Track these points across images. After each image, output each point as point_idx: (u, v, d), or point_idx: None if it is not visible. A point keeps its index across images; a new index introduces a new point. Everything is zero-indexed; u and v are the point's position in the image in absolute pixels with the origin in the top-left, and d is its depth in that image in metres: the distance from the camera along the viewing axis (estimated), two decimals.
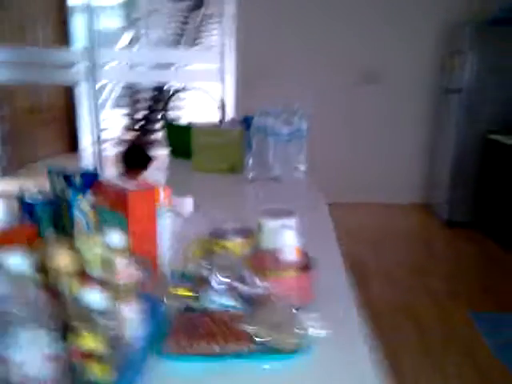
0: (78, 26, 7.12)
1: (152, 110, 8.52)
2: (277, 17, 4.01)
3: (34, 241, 0.74)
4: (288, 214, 0.91)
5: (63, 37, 6.66)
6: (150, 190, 0.82)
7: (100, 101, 8.06)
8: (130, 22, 8.47)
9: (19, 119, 5.72)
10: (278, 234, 0.83)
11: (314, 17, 3.97)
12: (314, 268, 0.81)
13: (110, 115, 7.26)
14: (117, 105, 7.90)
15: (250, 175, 1.82)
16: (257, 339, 0.68)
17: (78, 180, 0.82)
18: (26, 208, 0.84)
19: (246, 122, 2.27)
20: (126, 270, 0.65)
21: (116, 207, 0.80)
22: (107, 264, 0.66)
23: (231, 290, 0.78)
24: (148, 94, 8.75)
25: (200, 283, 0.82)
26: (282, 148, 1.96)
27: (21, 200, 0.84)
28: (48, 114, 6.38)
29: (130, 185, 0.82)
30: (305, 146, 1.98)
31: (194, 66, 5.39)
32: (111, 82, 5.46)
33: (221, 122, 2.24)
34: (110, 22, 8.90)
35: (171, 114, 8.74)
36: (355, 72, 4.01)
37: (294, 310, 0.71)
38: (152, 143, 7.35)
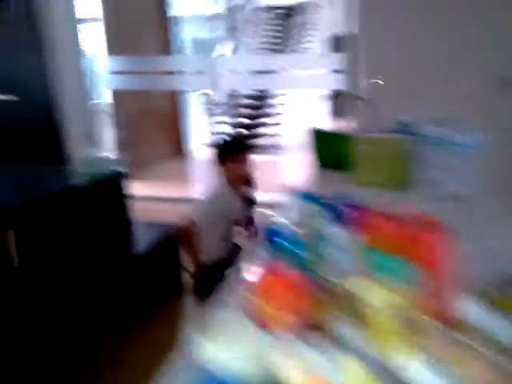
0: (180, 35, 7.32)
1: (254, 115, 8.54)
2: (401, 20, 3.71)
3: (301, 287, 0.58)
4: None
5: (166, 45, 6.85)
6: (440, 228, 0.63)
7: (205, 107, 8.23)
8: (227, 31, 8.57)
9: (132, 124, 5.94)
10: None
11: (445, 19, 3.62)
12: None
13: (214, 121, 7.35)
14: (220, 111, 7.98)
15: (426, 192, 1.59)
16: None
17: (336, 208, 0.66)
18: (271, 237, 0.69)
19: (402, 129, 2.05)
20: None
21: (395, 249, 0.62)
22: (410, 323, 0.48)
23: None
24: (248, 100, 8.80)
25: None
26: (457, 162, 1.71)
27: (267, 229, 0.69)
28: (158, 119, 6.58)
29: (407, 218, 0.64)
30: (481, 161, 1.72)
31: (297, 72, 5.24)
32: (221, 90, 5.43)
33: (374, 130, 2.02)
34: (207, 31, 9.09)
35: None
36: (491, 78, 3.60)
37: None
38: (255, 147, 7.31)
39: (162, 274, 2.67)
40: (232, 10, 9.10)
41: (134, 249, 2.47)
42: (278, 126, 8.46)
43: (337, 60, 4.06)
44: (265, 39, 9.99)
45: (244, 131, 8.07)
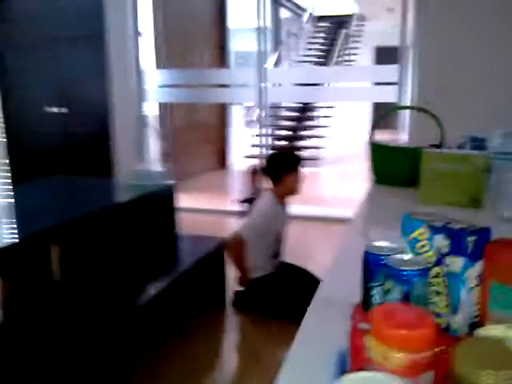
0: (232, 49, 7.37)
1: (297, 127, 8.47)
2: (456, 34, 3.54)
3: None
4: None
5: (220, 59, 6.88)
6: None
7: (248, 119, 8.21)
8: (273, 45, 8.57)
9: (177, 137, 5.97)
10: None
11: (500, 33, 3.42)
12: None
13: (257, 133, 7.31)
14: (263, 123, 7.91)
15: (508, 212, 1.45)
16: None
17: (471, 241, 0.55)
18: (374, 267, 0.59)
19: (475, 144, 1.92)
20: None
21: None
22: None
23: None
24: (290, 113, 8.74)
25: None
26: None
27: (371, 255, 0.60)
28: (204, 131, 6.60)
29: None
30: None
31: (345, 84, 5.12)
32: (268, 102, 5.39)
33: (440, 144, 1.89)
34: (252, 44, 9.12)
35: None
36: None
37: None
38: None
39: (205, 287, 2.61)
40: (278, 24, 9.11)
41: (180, 262, 2.42)
42: (320, 138, 8.35)
43: (390, 72, 3.94)
44: (310, 52, 9.94)
45: (286, 143, 8.00)
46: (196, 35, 6.37)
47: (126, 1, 4.22)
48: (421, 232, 0.60)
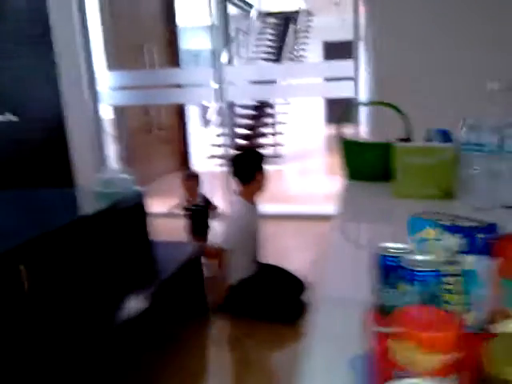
0: (184, 47, 7.27)
1: (254, 125, 8.47)
2: (412, 24, 3.63)
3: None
4: None
5: (173, 58, 6.78)
6: None
7: (204, 119, 8.13)
8: (222, 42, 8.54)
9: (135, 139, 5.84)
10: None
11: (456, 21, 3.55)
12: None
13: (215, 133, 7.28)
14: (220, 122, 7.89)
15: (478, 203, 1.50)
16: None
17: (480, 237, 0.57)
18: (385, 270, 0.60)
19: (442, 136, 1.98)
20: None
21: None
22: None
23: None
24: (247, 111, 8.73)
25: None
26: (505, 168, 1.63)
27: (380, 257, 0.60)
28: (162, 133, 6.48)
29: None
30: None
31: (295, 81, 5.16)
32: (225, 101, 5.35)
33: (408, 138, 1.94)
34: (204, 42, 9.07)
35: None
36: (502, 80, 3.51)
37: None
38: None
39: (187, 294, 2.56)
40: (227, 21, 9.06)
41: (159, 272, 2.36)
42: (278, 135, 8.40)
43: (345, 67, 4.00)
44: (260, 48, 9.96)
45: (246, 142, 7.99)
46: (146, 35, 6.24)
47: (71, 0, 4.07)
48: (429, 231, 0.61)
